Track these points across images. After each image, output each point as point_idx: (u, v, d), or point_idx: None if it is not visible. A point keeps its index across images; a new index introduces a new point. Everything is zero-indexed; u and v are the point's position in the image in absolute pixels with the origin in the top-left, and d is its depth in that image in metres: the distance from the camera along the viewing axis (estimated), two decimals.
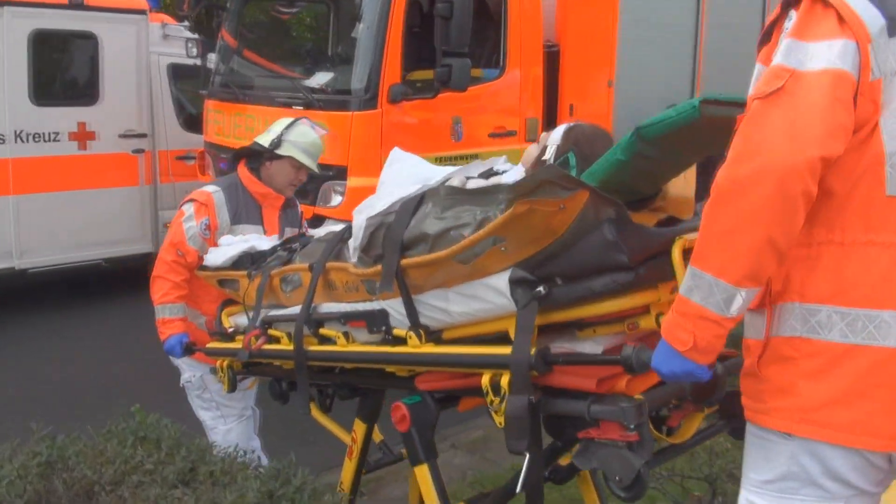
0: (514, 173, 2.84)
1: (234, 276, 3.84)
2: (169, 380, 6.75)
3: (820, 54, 1.85)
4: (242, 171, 4.35)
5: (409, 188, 2.87)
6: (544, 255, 2.42)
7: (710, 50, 9.19)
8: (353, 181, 6.51)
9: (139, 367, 7.33)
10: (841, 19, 1.86)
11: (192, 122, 9.80)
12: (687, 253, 2.15)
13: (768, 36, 2.03)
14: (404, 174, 3.06)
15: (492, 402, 2.55)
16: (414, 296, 2.81)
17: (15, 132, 8.35)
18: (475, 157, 7.02)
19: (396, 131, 6.58)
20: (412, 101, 6.63)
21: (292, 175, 4.33)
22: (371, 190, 6.17)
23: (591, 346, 2.58)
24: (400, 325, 2.92)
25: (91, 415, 6.24)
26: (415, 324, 2.84)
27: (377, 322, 2.98)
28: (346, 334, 3.16)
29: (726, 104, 2.19)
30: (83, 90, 8.99)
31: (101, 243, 9.04)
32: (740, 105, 2.04)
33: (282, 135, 4.26)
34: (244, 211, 4.27)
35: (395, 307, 2.92)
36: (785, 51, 1.89)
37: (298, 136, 4.28)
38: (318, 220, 6.61)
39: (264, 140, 4.29)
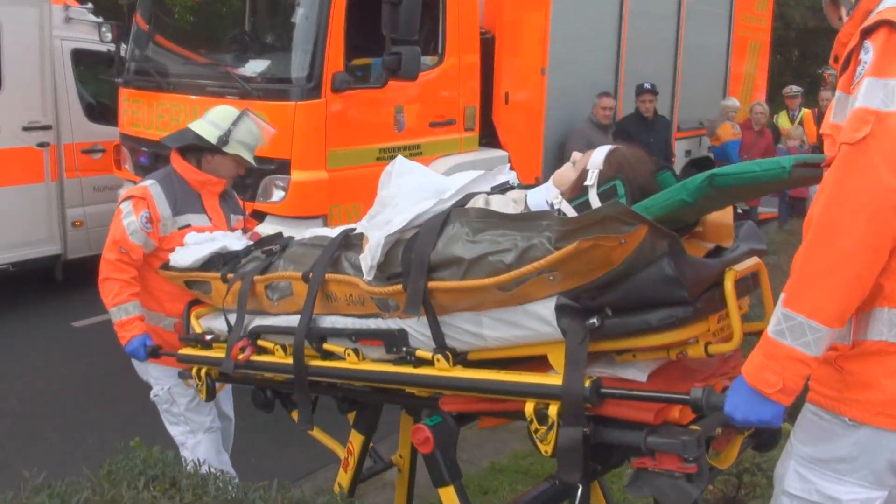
0: (541, 191, 2.83)
1: (205, 277, 3.69)
2: (95, 390, 6.45)
3: None
4: (178, 161, 4.22)
5: (424, 203, 2.81)
6: (594, 287, 2.41)
7: (632, 39, 9.27)
8: (297, 175, 6.22)
9: (61, 379, 6.95)
10: None
11: (98, 113, 9.31)
12: (738, 283, 2.40)
13: (847, 63, 2.09)
14: (414, 187, 2.98)
15: (535, 430, 2.52)
16: (440, 317, 2.73)
17: None
18: (417, 147, 6.89)
19: (339, 122, 6.34)
20: (356, 91, 6.37)
21: (234, 170, 4.30)
22: (316, 185, 6.08)
23: (633, 372, 2.56)
24: (422, 347, 2.84)
25: (16, 436, 5.89)
26: (441, 346, 2.77)
27: (397, 343, 2.89)
28: (356, 351, 3.04)
29: (812, 166, 2.26)
30: None
31: (6, 246, 8.37)
32: (825, 166, 2.11)
33: (230, 132, 4.15)
34: (184, 201, 4.15)
35: (416, 328, 2.84)
36: (866, 91, 1.97)
37: (246, 134, 4.22)
38: (258, 216, 6.31)
39: (208, 134, 4.15)
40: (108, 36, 7.91)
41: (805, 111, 11.70)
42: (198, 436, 4.34)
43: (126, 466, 2.92)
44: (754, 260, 2.67)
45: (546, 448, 2.50)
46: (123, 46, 7.93)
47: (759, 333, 2.19)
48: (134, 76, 7.61)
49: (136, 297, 4.04)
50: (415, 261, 2.68)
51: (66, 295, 8.82)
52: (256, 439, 5.65)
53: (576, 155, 2.86)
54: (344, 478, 3.59)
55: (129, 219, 3.99)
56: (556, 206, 2.68)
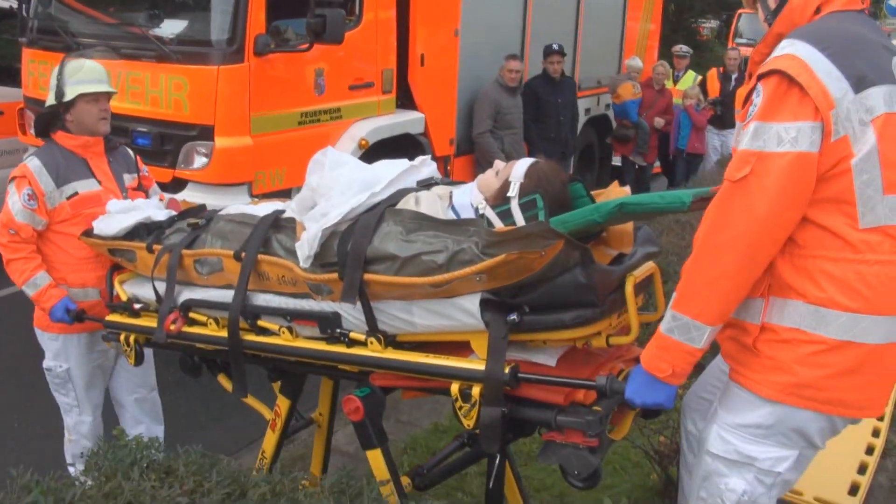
0: (465, 193, 3.14)
1: (129, 246, 3.82)
2: (19, 370, 6.25)
3: (782, 138, 2.23)
4: (57, 134, 4.23)
5: (357, 196, 3.10)
6: (514, 286, 2.75)
7: (538, 2, 9.37)
8: (220, 141, 6.09)
9: None
10: (804, 94, 2.21)
11: None
12: (637, 287, 2.81)
13: (748, 98, 2.40)
14: (348, 181, 3.22)
15: (459, 406, 2.88)
16: (372, 303, 3.01)
17: None
18: (338, 110, 6.87)
19: (262, 86, 6.23)
20: (278, 54, 6.28)
21: (95, 110, 4.20)
22: (241, 151, 6.02)
23: (543, 357, 2.91)
24: (355, 329, 3.12)
25: None
26: (373, 329, 3.06)
27: (331, 324, 3.15)
28: (290, 329, 3.29)
29: (708, 200, 2.51)
30: None
31: None
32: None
33: (58, 83, 4.15)
34: (68, 169, 4.16)
35: (349, 312, 3.09)
36: (752, 135, 2.29)
37: (72, 73, 4.17)
38: (179, 184, 6.23)
39: (50, 99, 4.18)
40: None
41: (711, 70, 11.94)
42: (85, 415, 4.45)
43: (115, 457, 2.89)
44: (650, 265, 3.03)
45: (468, 422, 2.87)
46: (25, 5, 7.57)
47: (650, 324, 2.70)
48: (39, 36, 7.25)
49: (40, 268, 4.13)
50: (351, 254, 2.95)
51: None
52: (194, 412, 5.65)
53: (498, 164, 3.16)
54: (271, 437, 3.85)
55: (13, 199, 4.06)
56: (480, 211, 3.00)
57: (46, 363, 4.41)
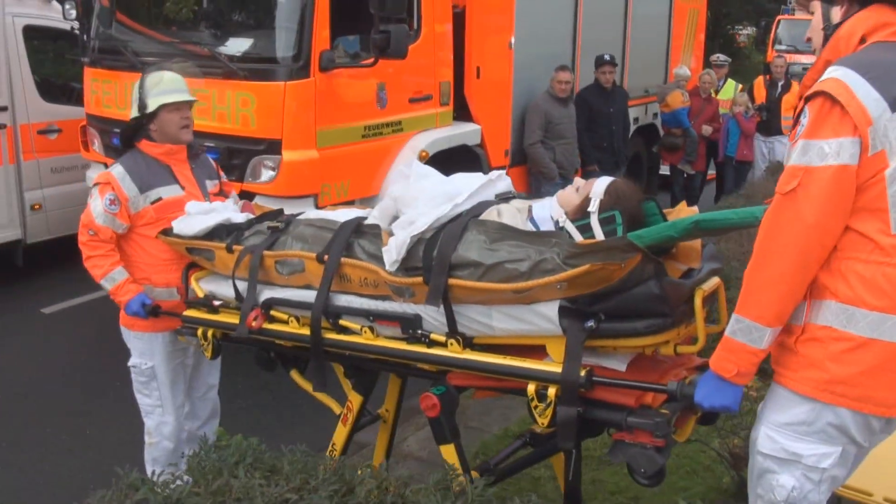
0: (545, 207, 3.40)
1: (209, 246, 4.02)
2: (79, 377, 6.40)
3: (831, 151, 2.45)
4: (141, 143, 4.42)
5: (441, 206, 3.34)
6: (591, 295, 2.96)
7: (587, 9, 9.43)
8: (288, 155, 6.22)
9: (42, 368, 6.84)
10: (844, 112, 2.43)
11: (53, 92, 9.07)
12: (705, 300, 3.02)
13: (797, 119, 2.61)
14: (432, 192, 3.47)
15: (535, 406, 3.07)
16: (454, 306, 3.21)
17: None
18: (399, 123, 6.95)
19: (327, 101, 6.36)
20: (343, 69, 6.40)
21: (177, 118, 4.39)
22: (307, 164, 6.11)
23: (614, 362, 3.10)
24: (435, 330, 3.31)
25: (8, 428, 5.82)
26: (453, 331, 3.26)
27: (413, 325, 3.35)
28: (371, 328, 3.49)
29: None
30: None
31: None
32: None
33: (140, 96, 4.36)
34: (152, 176, 4.35)
35: (430, 314, 3.30)
36: (800, 150, 2.51)
37: (153, 85, 4.37)
38: (247, 197, 6.30)
39: (133, 112, 4.39)
40: (73, 13, 7.71)
41: (758, 78, 11.89)
42: (165, 415, 4.59)
43: (220, 457, 2.96)
44: (716, 280, 3.20)
45: (543, 421, 3.07)
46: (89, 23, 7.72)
47: (715, 334, 2.84)
48: (101, 55, 7.43)
49: (117, 263, 4.32)
50: (437, 260, 3.15)
51: (29, 281, 8.65)
52: (267, 422, 5.76)
53: (578, 181, 3.41)
54: (342, 431, 4.05)
55: (95, 203, 4.26)
56: (560, 224, 3.24)
57: (132, 361, 4.55)
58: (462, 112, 7.82)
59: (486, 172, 7.45)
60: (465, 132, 7.73)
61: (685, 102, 10.58)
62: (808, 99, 2.56)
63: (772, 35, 22.56)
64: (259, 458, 2.96)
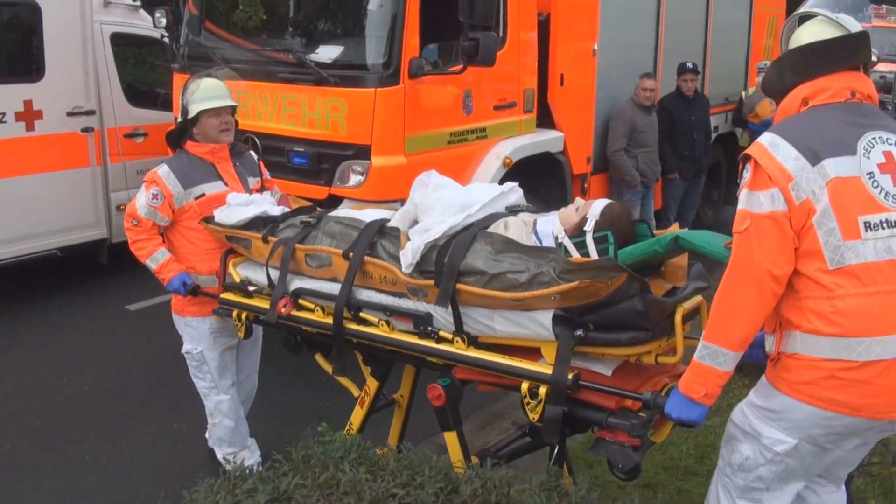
0: (548, 223, 3.75)
1: (246, 235, 4.43)
2: (165, 373, 6.52)
3: (760, 202, 2.88)
4: (187, 144, 4.81)
5: (455, 216, 3.69)
6: (582, 307, 3.29)
7: (669, 17, 9.35)
8: (377, 160, 6.27)
9: (128, 363, 7.03)
10: (769, 175, 2.87)
11: (139, 97, 9.26)
12: (685, 317, 3.35)
13: (741, 172, 3.04)
14: (448, 202, 3.80)
15: (527, 402, 3.42)
16: (460, 308, 3.56)
17: None
18: (483, 130, 6.97)
19: (415, 107, 6.41)
20: (432, 76, 6.44)
21: (216, 123, 4.74)
22: (396, 169, 6.14)
23: (601, 367, 3.43)
24: (444, 328, 3.67)
25: (99, 421, 5.97)
26: (459, 330, 3.61)
27: (423, 322, 3.71)
28: (388, 322, 3.86)
29: None
30: (27, 65, 8.23)
31: (54, 232, 8.41)
32: None
33: (184, 102, 4.76)
34: (196, 174, 4.75)
35: (440, 313, 3.65)
36: (744, 198, 2.94)
37: (192, 91, 4.73)
38: (335, 201, 6.37)
39: (179, 116, 4.83)
40: (163, 21, 7.85)
41: None
42: (221, 394, 5.03)
43: (325, 451, 3.02)
44: (698, 299, 3.53)
45: (533, 416, 3.41)
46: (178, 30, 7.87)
47: (694, 347, 3.08)
48: (190, 62, 7.56)
49: (159, 245, 4.75)
50: (447, 266, 3.50)
51: (114, 278, 8.88)
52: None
53: (579, 201, 3.78)
54: (359, 413, 4.44)
55: (140, 196, 4.70)
56: (559, 240, 3.60)
57: (185, 348, 5.01)
58: (545, 119, 7.80)
59: (568, 180, 7.63)
60: (549, 139, 7.72)
61: (774, 111, 10.35)
62: (743, 159, 3.02)
63: None
64: (363, 454, 3.02)
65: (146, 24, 9.42)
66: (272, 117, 6.74)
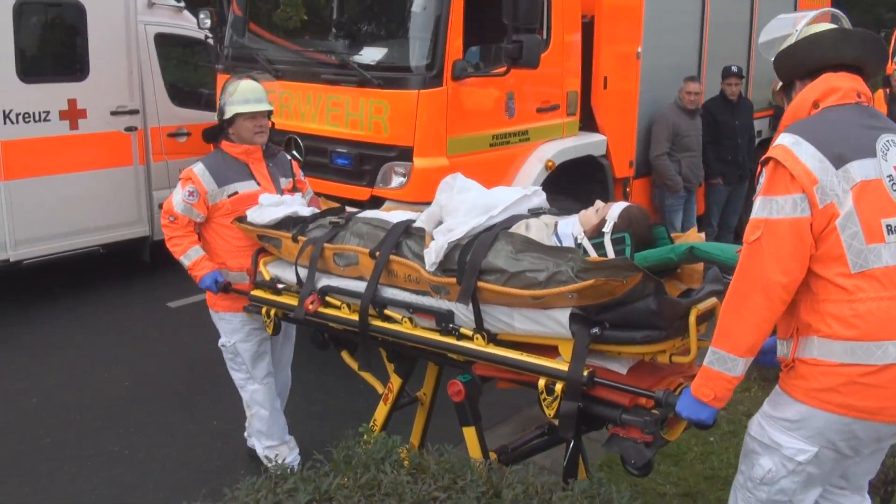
0: (569, 224, 3.83)
1: (277, 235, 4.53)
2: (205, 371, 6.57)
3: (781, 207, 2.86)
4: (222, 143, 4.95)
5: (478, 217, 3.76)
6: (599, 306, 3.36)
7: (714, 20, 9.25)
8: (419, 162, 6.27)
9: (169, 360, 7.08)
10: (791, 174, 2.85)
11: (182, 97, 9.34)
12: (699, 318, 3.36)
13: (758, 179, 3.03)
14: (472, 204, 3.86)
15: (544, 398, 3.47)
16: (481, 306, 3.63)
17: (3, 112, 7.73)
18: (526, 133, 6.93)
19: (458, 109, 6.39)
20: (475, 78, 6.42)
21: (251, 125, 4.87)
22: (437, 171, 6.13)
23: (617, 365, 3.48)
24: (465, 325, 3.75)
25: (137, 416, 6.02)
26: (479, 327, 3.69)
27: (445, 319, 3.80)
28: (411, 319, 3.96)
29: None
30: (71, 64, 8.35)
31: (97, 229, 8.52)
32: None
33: (222, 103, 4.90)
34: (230, 172, 4.87)
35: (461, 310, 3.73)
36: (760, 205, 2.93)
37: (230, 94, 4.86)
38: (377, 202, 6.37)
39: (217, 116, 4.96)
40: (207, 22, 7.89)
41: (878, 92, 11.43)
42: (255, 384, 5.15)
43: (366, 452, 3.01)
44: (713, 301, 3.52)
45: (550, 412, 3.46)
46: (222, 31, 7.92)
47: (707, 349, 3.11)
48: (234, 63, 7.59)
49: (194, 243, 4.86)
50: (469, 265, 3.58)
51: (156, 276, 8.94)
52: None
53: (599, 203, 3.85)
54: (382, 409, 4.52)
55: (177, 193, 4.83)
56: (579, 241, 3.69)
57: (221, 341, 5.14)
58: (587, 122, 7.75)
59: (610, 184, 7.58)
60: (591, 142, 7.67)
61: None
62: (763, 163, 2.98)
63: (891, 47, 21.78)
64: (405, 456, 3.01)
65: (190, 25, 9.50)
66: (315, 118, 6.75)
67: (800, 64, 3.13)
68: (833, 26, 3.20)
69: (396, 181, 6.35)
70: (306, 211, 4.68)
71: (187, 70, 9.94)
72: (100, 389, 6.56)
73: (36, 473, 5.36)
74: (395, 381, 4.45)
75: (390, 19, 7.07)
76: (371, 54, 6.68)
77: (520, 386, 3.79)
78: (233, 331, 5.05)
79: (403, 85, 6.30)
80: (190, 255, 4.84)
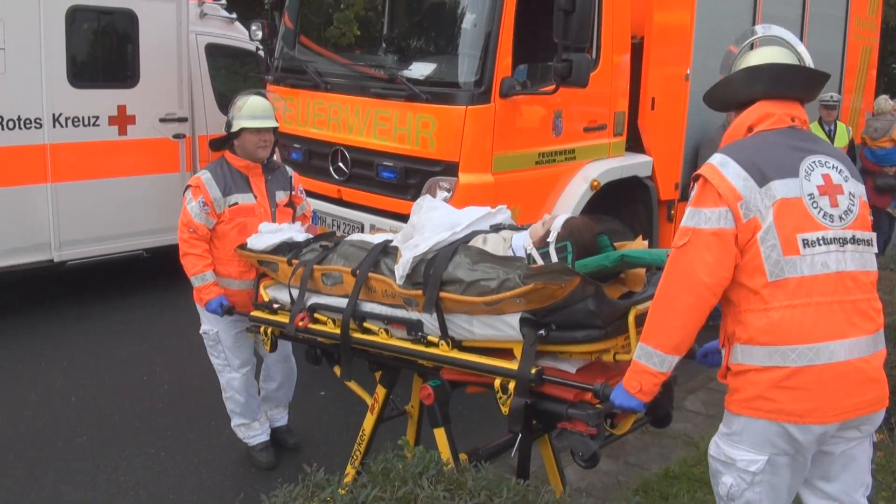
0: (522, 237, 4.10)
1: (274, 259, 4.81)
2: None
3: (707, 218, 3.10)
4: (226, 154, 5.23)
5: (442, 234, 4.06)
6: (545, 309, 3.63)
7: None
8: (464, 178, 6.26)
9: (202, 367, 7.00)
10: (718, 193, 3.08)
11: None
12: (638, 318, 3.54)
13: (689, 191, 3.27)
14: (437, 222, 4.18)
15: (500, 397, 3.75)
16: (445, 315, 3.91)
17: (53, 116, 7.88)
18: (572, 152, 6.92)
19: (504, 126, 6.39)
20: (523, 96, 6.41)
21: (255, 139, 5.13)
22: (482, 187, 6.13)
23: (568, 365, 3.75)
24: (432, 333, 4.02)
25: (171, 416, 6.06)
26: (444, 334, 3.97)
27: (415, 328, 4.08)
28: (386, 330, 4.24)
29: None
30: (122, 71, 8.52)
31: (142, 233, 8.67)
32: None
33: (231, 116, 5.14)
34: (233, 183, 5.13)
35: (428, 320, 4.01)
36: (689, 215, 3.17)
37: (239, 108, 5.12)
38: None
39: (225, 127, 5.19)
40: (259, 34, 7.97)
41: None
42: (233, 372, 5.43)
43: (404, 465, 3.02)
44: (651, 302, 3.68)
45: (504, 409, 3.73)
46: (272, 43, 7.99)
47: None
48: (284, 74, 7.68)
49: (209, 267, 5.10)
50: (432, 276, 3.86)
51: None
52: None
53: (546, 216, 4.11)
54: (370, 419, 4.70)
55: (192, 204, 5.05)
56: (528, 251, 3.97)
57: (202, 329, 5.39)
58: (634, 143, 7.71)
59: (655, 205, 7.52)
60: (637, 163, 7.63)
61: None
62: (694, 178, 3.22)
63: None
64: (441, 472, 3.02)
65: (240, 37, 9.62)
66: (363, 131, 6.79)
67: (732, 97, 3.46)
68: (774, 57, 3.39)
69: (441, 196, 6.33)
70: (301, 237, 4.93)
71: (236, 80, 10.04)
72: (139, 391, 6.64)
73: (72, 471, 5.44)
74: (381, 392, 4.65)
75: (440, 35, 7.09)
76: (420, 69, 6.69)
77: (486, 389, 4.00)
78: (216, 320, 5.25)
79: (451, 100, 6.31)
80: (205, 278, 5.08)
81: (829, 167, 3.21)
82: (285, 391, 5.79)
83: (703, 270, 3.07)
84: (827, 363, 3.07)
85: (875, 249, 3.27)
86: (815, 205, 3.13)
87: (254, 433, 5.60)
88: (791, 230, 3.08)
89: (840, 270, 3.12)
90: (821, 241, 3.11)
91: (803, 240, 3.09)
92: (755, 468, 3.20)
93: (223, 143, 5.25)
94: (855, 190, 3.25)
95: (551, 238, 3.92)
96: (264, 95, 5.21)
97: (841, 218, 3.17)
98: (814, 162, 3.18)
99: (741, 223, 3.08)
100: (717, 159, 3.18)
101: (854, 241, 3.18)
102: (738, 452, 3.23)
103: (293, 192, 5.42)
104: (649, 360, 3.20)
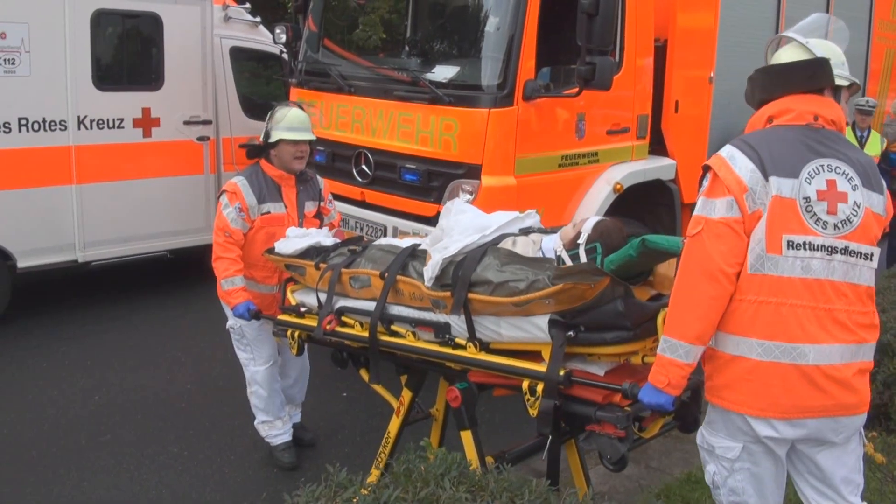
0: (551, 239, 4.10)
1: (302, 263, 4.78)
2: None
3: (717, 208, 3.13)
4: (262, 161, 5.31)
5: (472, 236, 4.06)
6: (574, 310, 3.62)
7: None
8: (486, 180, 6.27)
9: (226, 367, 7.05)
10: (726, 185, 3.13)
11: (254, 109, 9.47)
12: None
13: (701, 181, 3.31)
14: (466, 224, 4.20)
15: (528, 399, 3.72)
16: (473, 317, 3.90)
17: (78, 118, 7.95)
18: (595, 154, 6.90)
19: (527, 129, 6.39)
20: (545, 99, 6.41)
21: (293, 150, 5.24)
22: (504, 190, 6.14)
23: (596, 368, 3.75)
24: (459, 336, 4.02)
25: (187, 423, 6.16)
26: (472, 337, 3.96)
27: (442, 331, 4.07)
28: (413, 333, 4.24)
29: None
30: (147, 74, 8.57)
31: (166, 234, 8.73)
32: None
33: (267, 126, 5.26)
34: (266, 192, 5.21)
35: (456, 322, 4.00)
36: (701, 205, 3.21)
37: (278, 119, 5.23)
38: None
39: (262, 136, 5.29)
40: (283, 38, 8.00)
41: None
42: (257, 366, 5.49)
43: (427, 467, 3.02)
44: None
45: (533, 412, 3.71)
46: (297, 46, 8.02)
47: None
48: (308, 77, 7.71)
49: (240, 272, 5.13)
50: (461, 278, 3.86)
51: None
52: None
53: (576, 219, 4.21)
54: (395, 422, 4.69)
55: (228, 209, 5.11)
56: (557, 253, 3.95)
57: (228, 323, 5.45)
58: (657, 146, 7.69)
59: (678, 208, 7.50)
60: (660, 167, 7.61)
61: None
62: (705, 169, 3.26)
63: None
64: (464, 473, 3.01)
65: (264, 40, 9.67)
66: (386, 134, 6.81)
67: (750, 97, 3.48)
68: (789, 57, 3.38)
69: (463, 198, 6.33)
70: (329, 241, 4.95)
71: (260, 83, 10.09)
72: (163, 391, 6.68)
73: (96, 469, 5.48)
74: (407, 395, 4.65)
75: (463, 38, 7.10)
76: (443, 72, 6.70)
77: (513, 391, 3.98)
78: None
79: (474, 103, 6.31)
80: (235, 282, 5.11)
81: (837, 173, 3.17)
82: (300, 387, 5.87)
83: (719, 257, 3.11)
84: (792, 363, 3.12)
85: (874, 265, 3.24)
86: (808, 209, 3.13)
87: (276, 432, 5.62)
88: (778, 229, 3.12)
89: (823, 278, 3.13)
90: (806, 246, 3.13)
91: (788, 241, 3.12)
92: (731, 455, 3.31)
93: (260, 150, 5.32)
94: (863, 200, 3.21)
95: (581, 240, 3.92)
96: (303, 109, 5.30)
97: (836, 226, 3.15)
98: (820, 166, 3.16)
99: (747, 214, 3.12)
100: (726, 151, 3.23)
101: (846, 251, 3.16)
102: (716, 440, 3.36)
103: (322, 203, 5.50)
104: (674, 352, 3.19)
